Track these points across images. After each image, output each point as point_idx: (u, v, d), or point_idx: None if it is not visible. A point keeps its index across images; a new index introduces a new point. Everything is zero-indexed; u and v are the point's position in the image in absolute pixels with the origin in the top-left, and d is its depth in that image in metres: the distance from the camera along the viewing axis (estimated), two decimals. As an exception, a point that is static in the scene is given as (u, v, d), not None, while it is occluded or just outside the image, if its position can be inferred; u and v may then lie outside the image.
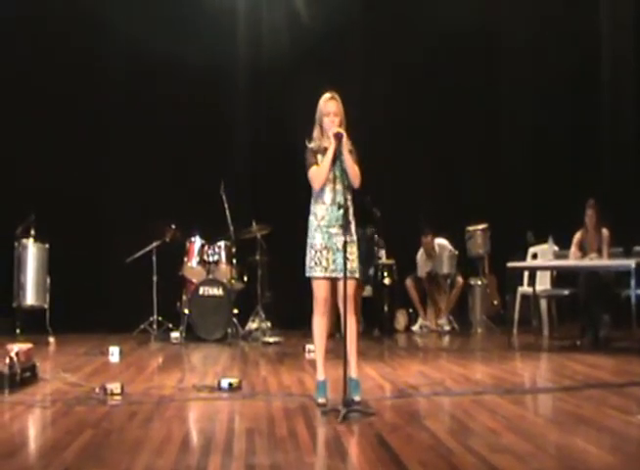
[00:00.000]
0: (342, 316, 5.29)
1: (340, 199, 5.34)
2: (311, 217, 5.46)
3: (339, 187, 5.37)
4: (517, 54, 11.87)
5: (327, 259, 5.35)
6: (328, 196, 5.39)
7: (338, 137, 5.29)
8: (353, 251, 5.33)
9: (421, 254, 10.86)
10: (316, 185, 5.39)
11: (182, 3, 10.94)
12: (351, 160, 5.33)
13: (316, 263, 5.38)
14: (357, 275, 5.40)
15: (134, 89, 10.87)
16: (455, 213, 10.78)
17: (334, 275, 5.34)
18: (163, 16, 10.74)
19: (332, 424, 4.72)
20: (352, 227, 5.35)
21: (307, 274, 5.43)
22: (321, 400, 5.29)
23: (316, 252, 5.39)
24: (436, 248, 10.74)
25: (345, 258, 5.14)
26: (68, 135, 10.67)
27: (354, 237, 5.38)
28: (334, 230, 5.36)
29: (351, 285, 5.30)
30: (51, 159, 10.62)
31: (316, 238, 5.41)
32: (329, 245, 5.37)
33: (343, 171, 5.35)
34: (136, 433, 4.53)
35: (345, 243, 5.14)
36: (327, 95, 5.45)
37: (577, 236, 9.02)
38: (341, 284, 5.29)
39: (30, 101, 10.59)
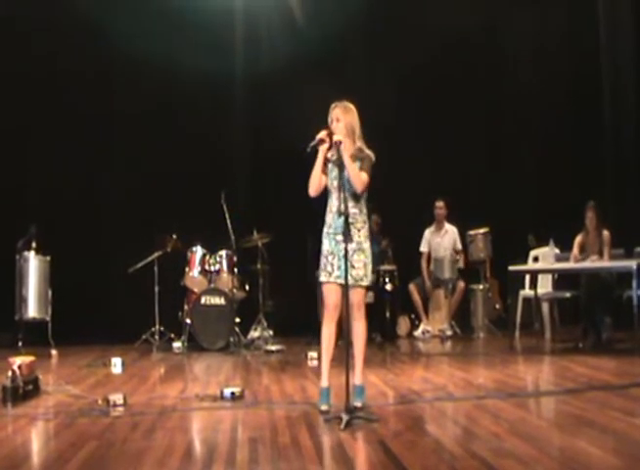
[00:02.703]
0: (343, 323, 5.31)
1: (343, 206, 5.37)
2: (324, 225, 5.52)
3: (345, 195, 5.38)
4: (519, 58, 11.92)
5: (332, 265, 5.40)
6: (334, 204, 5.43)
7: (336, 144, 5.31)
8: (360, 259, 5.36)
9: (429, 231, 10.89)
10: (310, 190, 5.47)
11: (180, 12, 10.95)
12: (352, 165, 5.33)
13: (322, 269, 5.45)
14: (364, 283, 5.40)
15: (134, 100, 10.88)
16: (456, 218, 10.79)
17: (338, 281, 5.37)
18: (162, 24, 10.77)
19: (335, 431, 4.72)
20: (360, 235, 5.38)
21: (319, 279, 5.52)
22: (324, 408, 5.29)
23: (324, 257, 5.46)
24: (446, 225, 10.80)
25: (351, 266, 5.21)
26: (68, 147, 10.69)
27: (364, 245, 5.40)
28: (339, 237, 5.38)
29: (358, 293, 5.36)
30: (51, 171, 10.65)
31: (325, 244, 5.49)
32: (335, 251, 5.41)
33: (349, 179, 5.38)
34: (139, 444, 4.53)
35: (346, 250, 5.15)
36: (333, 104, 5.51)
37: (578, 238, 9.02)
38: (349, 291, 5.33)
39: (30, 113, 10.62)
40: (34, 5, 10.70)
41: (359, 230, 5.39)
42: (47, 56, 10.66)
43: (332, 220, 5.45)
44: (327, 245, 5.47)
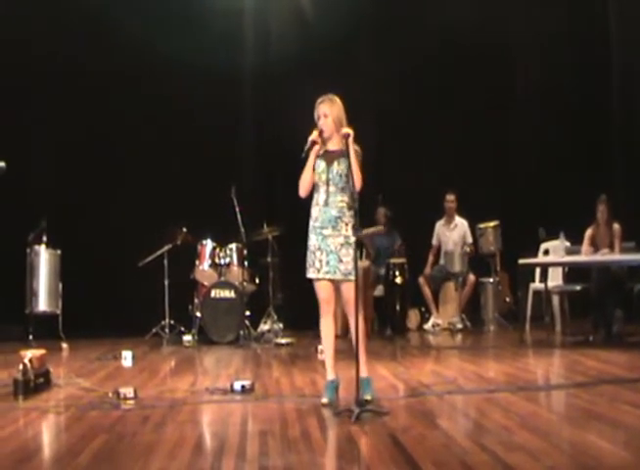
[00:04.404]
0: (348, 318, 5.31)
1: (332, 200, 5.35)
2: (310, 219, 5.48)
3: (332, 189, 5.37)
4: (527, 53, 11.86)
5: (320, 261, 5.37)
6: (321, 197, 5.41)
7: (344, 137, 5.30)
8: (348, 253, 5.31)
9: (439, 224, 10.90)
10: (301, 191, 5.47)
11: (188, 7, 10.95)
12: (356, 163, 5.30)
13: (310, 264, 5.42)
14: (352, 277, 5.28)
15: (144, 94, 10.87)
16: (466, 211, 10.77)
17: (327, 277, 5.35)
18: (170, 20, 10.79)
19: (345, 424, 4.71)
20: (348, 229, 5.35)
21: (306, 275, 5.46)
22: (323, 401, 5.31)
23: (311, 253, 5.43)
24: (456, 219, 10.80)
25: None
26: (78, 141, 10.69)
27: (351, 239, 5.35)
28: (327, 231, 5.36)
29: (349, 288, 5.29)
30: (62, 165, 10.66)
31: (311, 239, 5.45)
32: (322, 246, 5.37)
33: (338, 174, 5.35)
34: (149, 437, 4.54)
35: (357, 242, 5.14)
36: (318, 100, 5.48)
37: (589, 232, 8.99)
38: (340, 286, 5.33)
39: (41, 108, 10.64)
40: (35, 4, 10.71)
41: (347, 224, 5.35)
42: (49, 51, 10.65)
43: (318, 213, 5.41)
44: (313, 240, 5.41)
